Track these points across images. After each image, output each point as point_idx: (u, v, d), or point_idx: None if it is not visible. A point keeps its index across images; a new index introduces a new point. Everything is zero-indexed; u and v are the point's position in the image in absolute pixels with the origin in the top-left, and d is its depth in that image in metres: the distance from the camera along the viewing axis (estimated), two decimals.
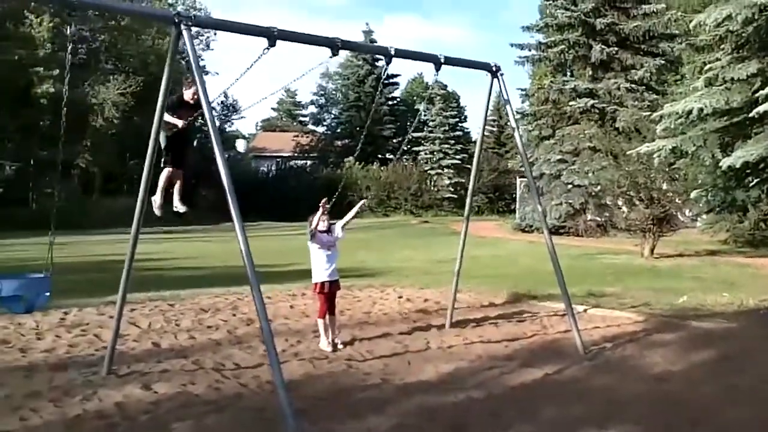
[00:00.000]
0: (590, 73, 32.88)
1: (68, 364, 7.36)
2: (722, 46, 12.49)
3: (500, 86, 8.11)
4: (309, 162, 59.20)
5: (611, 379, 6.87)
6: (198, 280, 13.75)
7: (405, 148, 59.62)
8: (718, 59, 11.83)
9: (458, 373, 7.13)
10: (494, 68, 8.07)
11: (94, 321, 9.48)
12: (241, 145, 70.29)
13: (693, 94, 11.77)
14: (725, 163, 10.20)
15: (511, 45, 34.73)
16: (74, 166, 40.02)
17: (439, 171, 54.15)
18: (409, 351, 8.03)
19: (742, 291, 12.73)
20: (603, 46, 31.78)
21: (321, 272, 8.23)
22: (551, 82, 33.61)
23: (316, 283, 8.28)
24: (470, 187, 9.56)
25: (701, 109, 10.99)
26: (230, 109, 61.26)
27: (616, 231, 24.69)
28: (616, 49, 32.02)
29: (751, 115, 10.23)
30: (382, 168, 54.30)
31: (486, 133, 65.44)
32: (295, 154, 60.73)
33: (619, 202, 22.43)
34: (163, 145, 7.50)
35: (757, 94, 10.24)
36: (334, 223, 8.49)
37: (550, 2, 34.27)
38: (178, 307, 10.53)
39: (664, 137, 12.17)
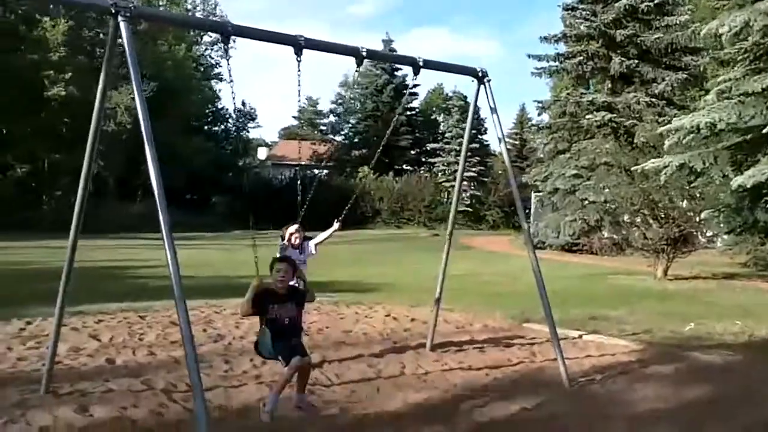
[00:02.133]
0: (609, 85, 32.18)
1: (9, 380, 6.81)
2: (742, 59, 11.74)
3: (486, 93, 7.50)
4: (325, 171, 58.73)
5: (594, 417, 6.20)
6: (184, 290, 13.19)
7: (422, 159, 59.15)
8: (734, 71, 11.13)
9: (427, 403, 6.50)
10: (480, 74, 7.46)
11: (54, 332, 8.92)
12: (262, 153, 70.10)
13: (704, 107, 11.05)
14: (736, 182, 9.50)
15: (529, 56, 34.11)
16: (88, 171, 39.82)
17: (454, 183, 53.40)
18: (380, 376, 7.42)
19: (756, 319, 11.95)
20: (623, 59, 31.05)
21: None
22: (568, 94, 32.89)
23: None
24: (454, 199, 8.92)
25: (712, 124, 10.29)
26: (247, 117, 60.96)
27: (633, 250, 23.89)
28: (636, 61, 31.27)
29: (765, 131, 9.48)
30: (396, 179, 53.72)
31: (507, 147, 65.18)
32: (312, 163, 60.30)
33: (638, 220, 21.63)
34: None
35: None
36: (309, 239, 7.87)
37: (570, 12, 33.57)
38: (149, 320, 9.98)
39: (674, 153, 11.47)
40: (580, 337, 9.75)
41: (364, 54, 6.45)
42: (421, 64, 6.95)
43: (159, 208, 5.00)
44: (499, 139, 7.88)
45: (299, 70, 6.06)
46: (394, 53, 7.28)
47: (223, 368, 7.47)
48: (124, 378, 6.99)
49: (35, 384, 6.58)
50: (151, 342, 8.58)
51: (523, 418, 6.17)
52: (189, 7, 49.47)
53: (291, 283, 6.36)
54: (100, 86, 5.83)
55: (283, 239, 7.61)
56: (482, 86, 7.53)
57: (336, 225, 7.87)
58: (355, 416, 6.05)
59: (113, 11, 5.21)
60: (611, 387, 7.22)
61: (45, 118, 37.99)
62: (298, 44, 6.01)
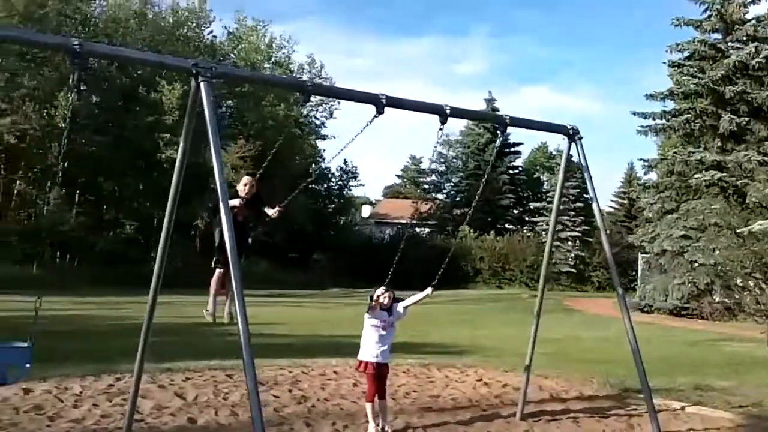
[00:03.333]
0: (719, 144, 31.07)
1: None
2: None
3: (578, 151, 7.24)
4: (427, 230, 58.75)
5: None
6: (275, 348, 13.13)
7: (525, 218, 58.41)
8: None
9: None
10: (571, 131, 7.22)
11: (141, 389, 8.93)
12: (365, 211, 71.01)
13: None
14: None
15: (634, 114, 33.43)
16: (194, 227, 40.89)
17: (558, 243, 52.42)
18: None
19: None
20: (732, 116, 29.98)
21: (370, 351, 7.45)
22: (675, 152, 31.96)
23: (361, 362, 7.52)
24: (544, 262, 8.53)
25: None
26: (349, 174, 61.67)
27: (745, 315, 22.71)
28: (747, 119, 30.14)
29: None
30: (497, 238, 53.13)
31: (615, 206, 63.70)
32: (413, 221, 60.44)
33: (751, 284, 20.57)
34: (216, 243, 7.11)
35: None
36: (399, 300, 7.69)
37: (677, 69, 32.82)
38: (236, 379, 9.88)
39: None
40: (683, 409, 9.15)
41: (448, 112, 6.34)
42: (507, 121, 6.78)
43: (231, 266, 4.91)
44: (591, 199, 7.56)
45: (369, 123, 6.01)
46: (480, 111, 7.16)
47: (303, 431, 7.29)
48: None
49: None
50: (235, 402, 8.47)
51: None
52: (294, 68, 50.83)
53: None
54: (181, 144, 5.88)
55: (371, 299, 7.48)
56: (573, 144, 7.27)
57: (428, 290, 7.70)
58: None
59: (194, 72, 5.24)
60: None
61: (155, 178, 39.48)
62: (380, 102, 5.95)
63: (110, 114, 40.85)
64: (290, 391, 9.32)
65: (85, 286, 30.45)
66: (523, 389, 8.42)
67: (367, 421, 7.50)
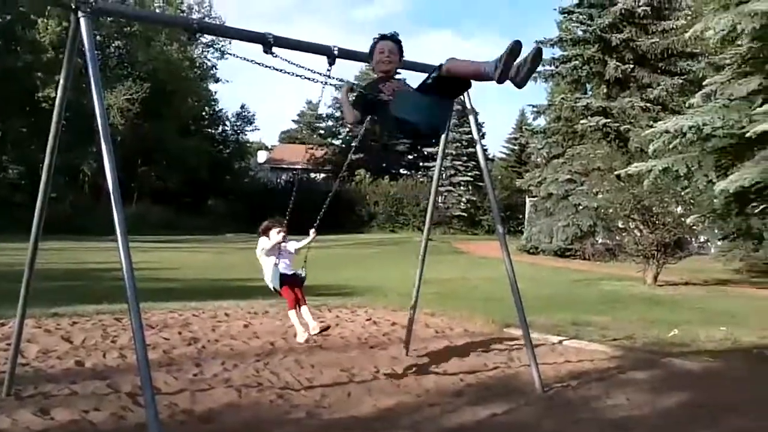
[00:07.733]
0: (605, 90, 32.12)
1: None
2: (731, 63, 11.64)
3: (463, 95, 7.38)
4: (322, 175, 58.78)
5: (564, 423, 6.10)
6: (166, 292, 13.09)
7: (420, 164, 59.08)
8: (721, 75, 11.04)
9: (397, 408, 6.39)
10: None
11: (27, 334, 8.77)
12: (261, 156, 70.43)
13: (688, 111, 10.94)
14: (718, 187, 9.39)
15: None
16: (81, 171, 39.64)
17: (450, 188, 53.30)
18: (353, 381, 7.30)
19: (743, 325, 11.85)
20: (618, 63, 31.01)
21: (276, 273, 7.74)
22: (562, 98, 32.85)
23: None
24: (430, 203, 8.74)
25: (696, 128, 10.16)
26: (245, 120, 60.73)
27: (625, 256, 23.77)
28: (632, 66, 31.22)
29: (747, 135, 9.36)
30: (391, 183, 53.61)
31: (507, 152, 64.98)
32: (309, 167, 60.27)
33: (631, 225, 21.53)
34: None
35: (754, 112, 9.38)
36: (290, 241, 7.97)
37: (567, 16, 33.58)
38: (125, 322, 9.81)
39: (660, 157, 11.36)
40: (560, 342, 9.64)
41: (336, 53, 6.31)
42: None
43: (114, 208, 4.89)
44: (475, 141, 7.77)
45: (257, 63, 5.95)
46: (365, 53, 7.14)
47: (192, 371, 7.35)
48: (91, 380, 6.86)
49: None
50: (123, 344, 8.43)
51: (493, 423, 6.06)
52: (184, 8, 49.20)
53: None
54: (61, 82, 5.72)
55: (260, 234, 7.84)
56: None
57: (312, 233, 8.02)
58: (322, 421, 5.95)
59: (73, 6, 5.10)
60: (585, 393, 7.10)
61: (38, 119, 37.98)
62: (267, 42, 5.90)
63: None
64: (180, 333, 9.33)
65: None
66: (408, 327, 8.70)
67: (258, 360, 7.70)
